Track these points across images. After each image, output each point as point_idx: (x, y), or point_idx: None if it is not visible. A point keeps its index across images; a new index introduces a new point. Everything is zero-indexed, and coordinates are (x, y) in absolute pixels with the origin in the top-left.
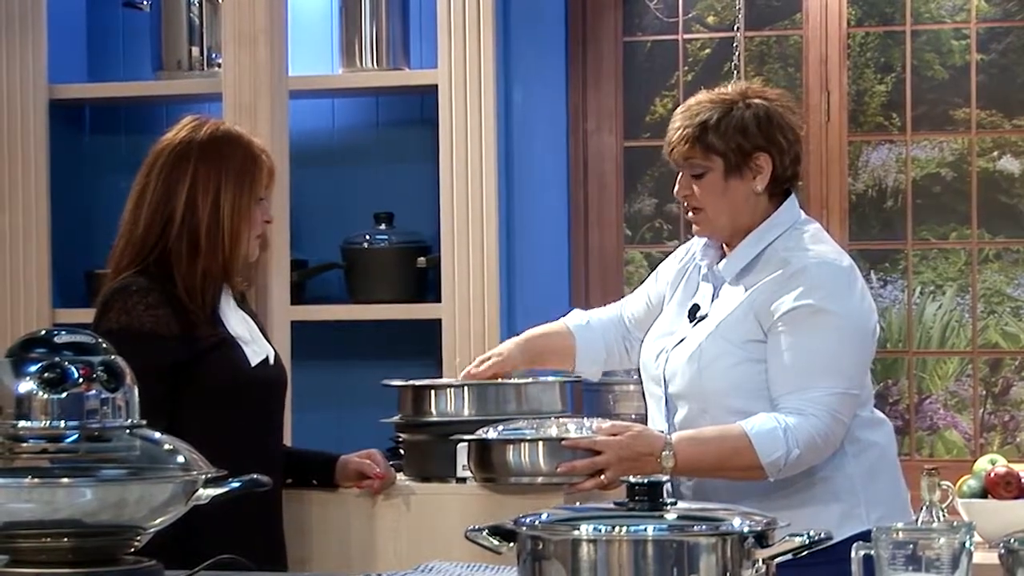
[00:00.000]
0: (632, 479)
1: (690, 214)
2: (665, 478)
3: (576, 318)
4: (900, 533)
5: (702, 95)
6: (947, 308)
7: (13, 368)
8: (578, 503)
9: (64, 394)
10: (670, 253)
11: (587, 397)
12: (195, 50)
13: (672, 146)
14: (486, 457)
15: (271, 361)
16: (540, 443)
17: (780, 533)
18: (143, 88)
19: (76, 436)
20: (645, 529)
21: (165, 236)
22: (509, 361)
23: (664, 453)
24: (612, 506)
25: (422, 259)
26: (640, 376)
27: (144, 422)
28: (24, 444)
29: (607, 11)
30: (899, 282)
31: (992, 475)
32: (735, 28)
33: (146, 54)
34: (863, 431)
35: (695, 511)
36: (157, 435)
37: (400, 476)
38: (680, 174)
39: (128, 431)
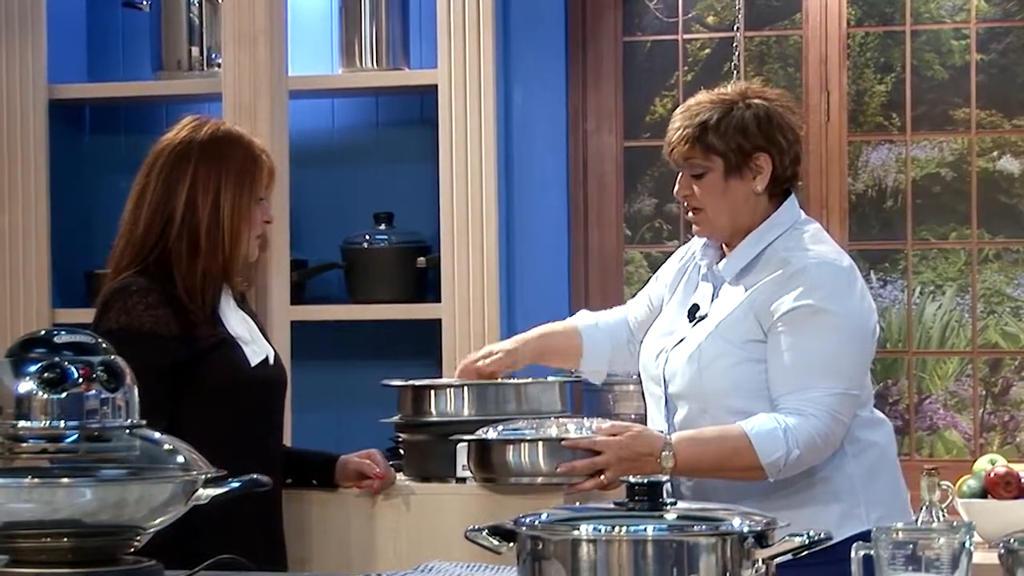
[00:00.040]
0: (632, 479)
1: (690, 214)
2: (665, 478)
3: (585, 319)
4: (900, 533)
5: (702, 95)
6: (947, 308)
7: (13, 368)
8: (578, 503)
9: (64, 394)
10: (670, 253)
11: (587, 397)
12: (195, 50)
13: (672, 146)
14: (486, 457)
15: (271, 361)
16: (540, 443)
17: (780, 533)
18: (143, 88)
19: (76, 436)
20: (645, 529)
21: (165, 236)
22: (514, 356)
23: (664, 453)
24: (612, 506)
25: (422, 259)
26: (640, 376)
27: (144, 422)
28: (24, 444)
29: (607, 11)
30: (899, 282)
31: (992, 475)
32: (735, 28)
33: (146, 54)
34: (863, 431)
35: (695, 511)
36: (157, 435)
37: (400, 476)
38: (680, 174)
39: (128, 431)
